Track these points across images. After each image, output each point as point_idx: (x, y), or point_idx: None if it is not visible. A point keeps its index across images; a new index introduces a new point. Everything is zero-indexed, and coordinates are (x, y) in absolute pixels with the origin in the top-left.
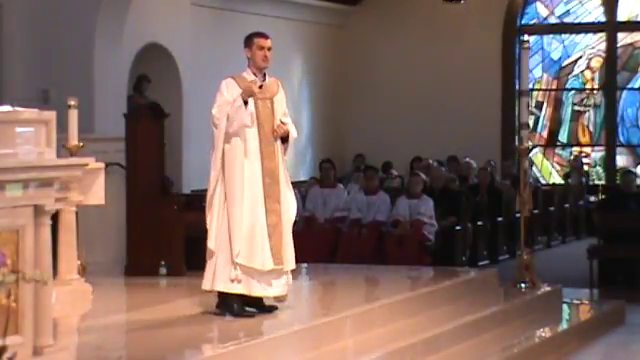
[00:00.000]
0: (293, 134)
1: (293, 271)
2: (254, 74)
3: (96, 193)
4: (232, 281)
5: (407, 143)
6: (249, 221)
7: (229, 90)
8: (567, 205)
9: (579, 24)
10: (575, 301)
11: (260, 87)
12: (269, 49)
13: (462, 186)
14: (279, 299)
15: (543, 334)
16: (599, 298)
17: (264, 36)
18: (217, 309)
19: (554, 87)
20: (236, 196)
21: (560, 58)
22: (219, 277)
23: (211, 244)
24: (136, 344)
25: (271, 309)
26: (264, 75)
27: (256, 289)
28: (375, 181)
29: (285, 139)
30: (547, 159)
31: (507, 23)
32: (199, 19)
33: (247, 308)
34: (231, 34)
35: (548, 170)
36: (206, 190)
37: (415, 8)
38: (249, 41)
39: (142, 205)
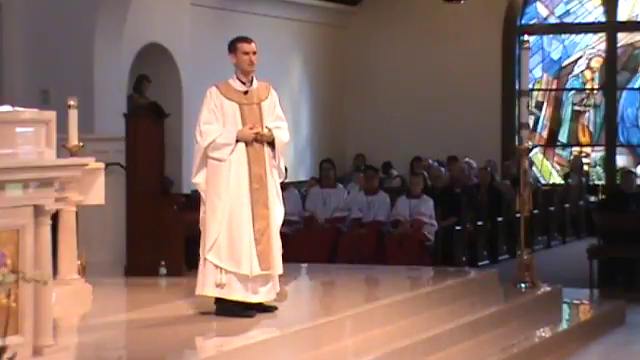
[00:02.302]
0: (282, 139)
1: (292, 272)
2: (240, 80)
3: (96, 193)
4: (217, 286)
5: (407, 143)
6: (235, 227)
7: (213, 100)
8: (567, 205)
9: (579, 24)
10: (575, 301)
11: (246, 93)
12: (254, 53)
13: (462, 186)
14: (270, 310)
15: (543, 334)
16: (599, 298)
17: (247, 40)
18: (216, 312)
19: (554, 87)
20: (216, 199)
21: (560, 58)
22: (207, 282)
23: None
24: (136, 344)
25: (271, 309)
26: (251, 80)
27: (237, 294)
28: (375, 181)
29: (273, 144)
30: (547, 159)
31: (507, 23)
32: (199, 19)
33: (247, 309)
34: (231, 34)
35: (548, 170)
36: None
37: (415, 8)
38: (233, 47)
39: (142, 205)
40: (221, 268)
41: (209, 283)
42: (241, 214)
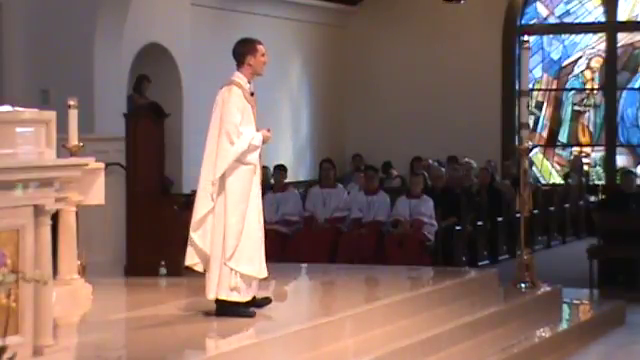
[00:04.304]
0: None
1: (292, 272)
2: (249, 81)
3: (96, 193)
4: (232, 290)
5: (407, 143)
6: (253, 232)
7: (240, 100)
8: (567, 205)
9: (579, 24)
10: (575, 301)
11: (252, 94)
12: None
13: (462, 186)
14: (266, 302)
15: (543, 334)
16: (599, 298)
17: (262, 43)
18: (217, 312)
19: (554, 87)
20: (243, 204)
21: (560, 58)
22: (222, 285)
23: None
24: (136, 344)
25: (266, 301)
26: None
27: (248, 296)
28: (375, 181)
29: None
30: (547, 159)
31: (507, 23)
32: (199, 19)
33: (247, 308)
34: (231, 34)
35: (548, 170)
36: None
37: (415, 8)
38: (252, 48)
39: (142, 205)
40: (236, 272)
41: (224, 286)
42: (257, 218)
